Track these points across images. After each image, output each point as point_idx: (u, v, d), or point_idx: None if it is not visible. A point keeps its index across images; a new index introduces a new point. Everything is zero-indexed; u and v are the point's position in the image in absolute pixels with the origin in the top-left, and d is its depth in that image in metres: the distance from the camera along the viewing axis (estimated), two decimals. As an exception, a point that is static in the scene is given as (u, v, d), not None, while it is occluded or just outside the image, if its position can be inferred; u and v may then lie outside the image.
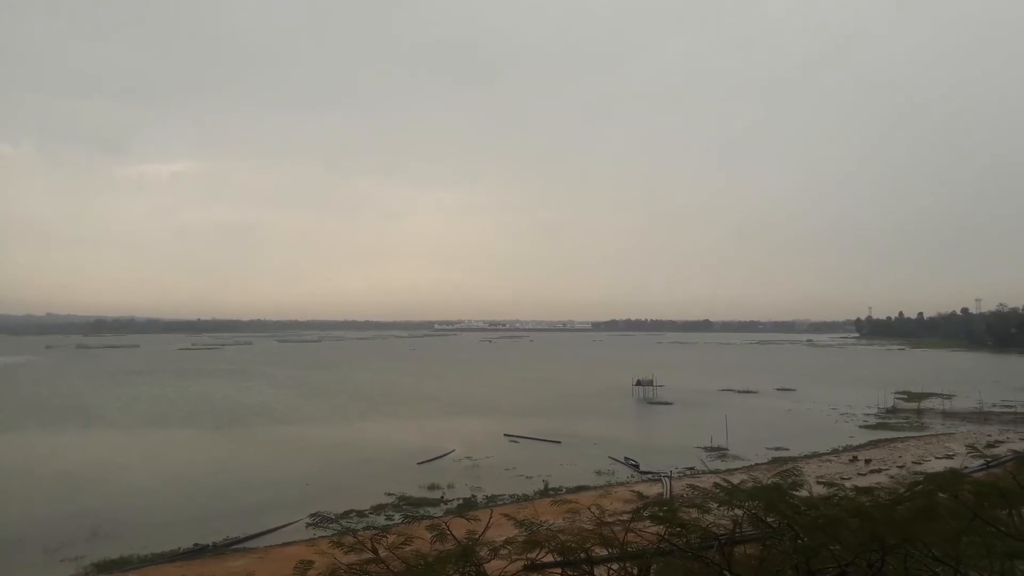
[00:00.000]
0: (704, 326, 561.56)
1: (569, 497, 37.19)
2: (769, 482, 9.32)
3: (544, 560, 9.92)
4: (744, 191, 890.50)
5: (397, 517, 38.09)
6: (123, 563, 30.38)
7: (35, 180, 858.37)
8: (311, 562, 9.53)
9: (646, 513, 9.34)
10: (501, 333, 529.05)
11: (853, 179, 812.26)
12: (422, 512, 38.48)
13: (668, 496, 32.24)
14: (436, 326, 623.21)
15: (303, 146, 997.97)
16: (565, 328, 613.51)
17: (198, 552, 32.07)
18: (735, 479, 10.48)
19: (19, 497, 43.05)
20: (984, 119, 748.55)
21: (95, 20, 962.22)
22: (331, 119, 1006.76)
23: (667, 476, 45.33)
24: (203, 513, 39.23)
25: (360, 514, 38.74)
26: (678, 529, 8.84)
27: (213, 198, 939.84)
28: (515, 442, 62.64)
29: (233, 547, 33.09)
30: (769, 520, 8.81)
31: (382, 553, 9.42)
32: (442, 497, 42.71)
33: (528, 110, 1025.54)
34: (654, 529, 9.44)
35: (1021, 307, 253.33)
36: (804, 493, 9.05)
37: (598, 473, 49.17)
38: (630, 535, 9.61)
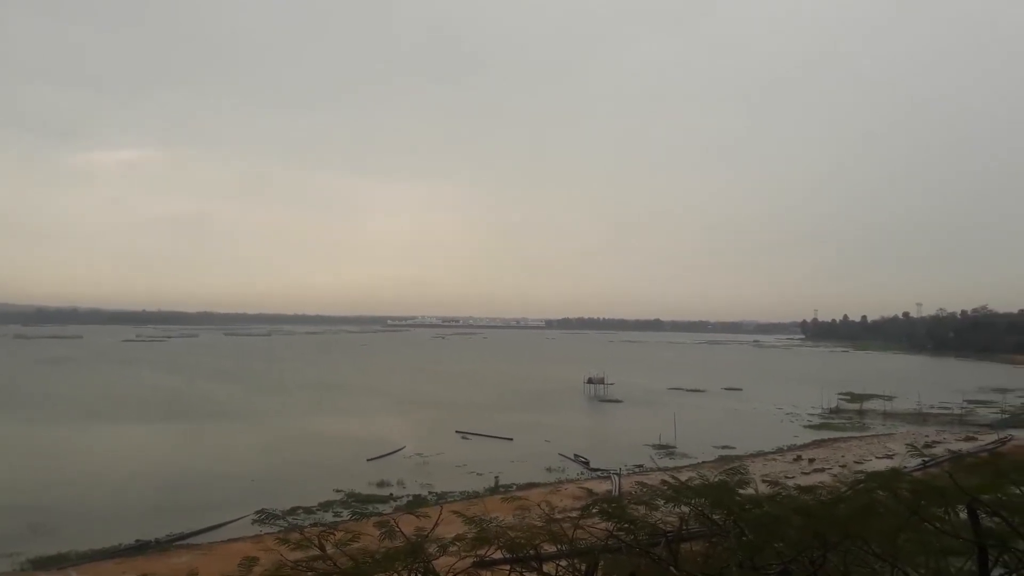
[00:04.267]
0: (655, 325, 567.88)
1: (519, 494, 37.32)
2: (716, 480, 9.46)
3: (493, 557, 9.92)
4: (700, 196, 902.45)
5: (345, 514, 37.78)
6: (61, 559, 29.58)
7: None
8: (256, 559, 9.35)
9: (595, 510, 9.39)
10: (454, 329, 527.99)
11: (808, 188, 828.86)
12: (371, 509, 38.24)
13: (617, 493, 32.56)
14: (389, 322, 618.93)
15: (265, 139, 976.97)
16: (519, 325, 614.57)
17: (140, 548, 31.39)
18: (682, 476, 10.62)
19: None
20: (942, 130, 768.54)
21: (56, 3, 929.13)
22: (297, 113, 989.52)
23: (616, 473, 45.86)
24: (145, 508, 38.39)
25: (308, 511, 38.30)
26: (626, 525, 8.91)
27: (164, 189, 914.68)
28: (466, 439, 62.62)
29: (177, 543, 32.48)
30: (715, 517, 8.94)
31: (329, 550, 9.30)
32: (391, 494, 42.48)
33: (497, 108, 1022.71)
34: (603, 526, 9.51)
35: (959, 312, 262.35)
36: (750, 491, 9.20)
37: (548, 470, 49.43)
38: (579, 532, 9.67)
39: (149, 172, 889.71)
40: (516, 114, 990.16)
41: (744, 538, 8.16)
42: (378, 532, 9.87)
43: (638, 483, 11.55)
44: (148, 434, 64.65)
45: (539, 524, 10.11)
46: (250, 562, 9.30)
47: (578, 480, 45.25)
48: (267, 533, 31.65)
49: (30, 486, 43.21)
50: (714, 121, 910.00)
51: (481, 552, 9.67)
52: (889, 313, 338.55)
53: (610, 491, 36.79)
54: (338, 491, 42.52)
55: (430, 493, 42.60)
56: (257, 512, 37.13)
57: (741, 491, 9.14)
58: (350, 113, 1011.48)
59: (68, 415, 73.68)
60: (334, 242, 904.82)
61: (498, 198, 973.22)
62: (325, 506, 39.59)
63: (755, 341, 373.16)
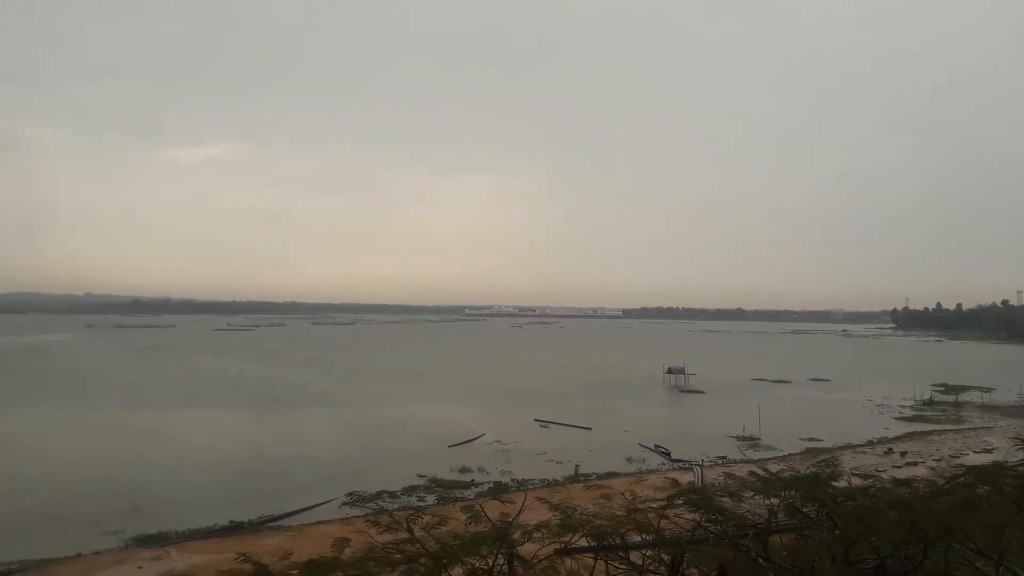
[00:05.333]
0: (737, 315, 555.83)
1: (601, 483, 37.26)
2: (807, 472, 9.25)
3: (578, 544, 9.96)
4: (782, 180, 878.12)
5: (429, 499, 38.46)
6: (161, 538, 31.05)
7: (73, 164, 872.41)
8: (348, 540, 9.71)
9: (681, 500, 9.32)
10: (531, 319, 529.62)
11: (896, 167, 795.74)
12: (454, 494, 38.80)
13: (700, 484, 32.13)
14: (467, 311, 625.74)
15: (338, 132, 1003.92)
16: (595, 315, 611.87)
17: (234, 529, 32.70)
18: (770, 469, 10.43)
19: (60, 473, 44.25)
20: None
21: (130, 5, 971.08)
22: (366, 106, 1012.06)
23: (698, 464, 45.25)
24: (238, 491, 39.96)
25: (392, 495, 39.15)
26: (715, 516, 8.81)
27: (248, 182, 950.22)
28: (545, 427, 62.80)
29: (268, 525, 33.71)
30: (806, 510, 8.75)
31: (417, 533, 9.55)
32: (473, 480, 43.01)
33: (564, 97, 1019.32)
34: (688, 516, 9.44)
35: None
36: (843, 483, 8.98)
37: (628, 460, 49.12)
38: (663, 522, 9.61)
39: (232, 167, 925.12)
40: (580, 104, 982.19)
41: (837, 532, 7.97)
42: (464, 516, 10.08)
43: (725, 474, 11.35)
44: (237, 420, 67.35)
45: (623, 513, 10.11)
46: (342, 543, 9.66)
47: (659, 471, 44.89)
48: (355, 516, 32.63)
49: (129, 468, 45.62)
50: (790, 107, 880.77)
51: (566, 539, 9.75)
52: (986, 301, 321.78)
53: (692, 482, 36.37)
54: (421, 476, 43.32)
55: (511, 480, 42.97)
56: (348, 495, 38.39)
57: (833, 483, 8.93)
58: (421, 107, 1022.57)
59: (161, 401, 77.36)
60: (413, 233, 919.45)
61: (572, 187, 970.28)
62: (409, 490, 40.39)
63: (843, 331, 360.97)
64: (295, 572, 8.97)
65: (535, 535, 9.69)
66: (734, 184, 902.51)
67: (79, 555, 28.39)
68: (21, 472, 44.10)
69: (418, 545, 9.22)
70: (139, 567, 25.82)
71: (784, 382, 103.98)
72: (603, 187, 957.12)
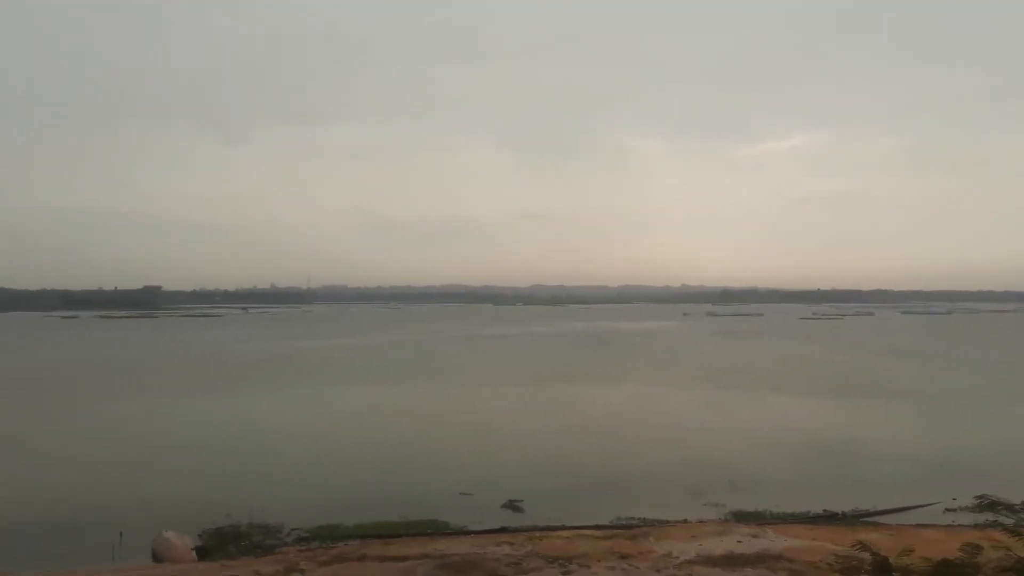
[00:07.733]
0: None
1: None
2: None
3: None
4: None
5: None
6: (757, 516, 32.17)
7: (666, 168, 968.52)
8: (979, 547, 8.66)
9: None
10: None
11: None
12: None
13: None
14: None
15: (924, 103, 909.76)
16: None
17: (827, 519, 32.16)
18: None
19: (672, 440, 49.57)
20: None
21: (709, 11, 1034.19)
22: (957, 68, 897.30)
23: None
24: (824, 480, 39.30)
25: (1010, 509, 33.73)
26: None
27: (828, 169, 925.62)
28: None
29: (863, 519, 32.35)
30: None
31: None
32: None
33: None
34: None
35: None
36: None
37: None
38: None
39: (811, 156, 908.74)
40: None
41: None
42: None
43: None
44: (819, 405, 67.21)
45: None
46: (972, 549, 8.64)
47: None
48: (961, 524, 29.23)
49: (722, 442, 49.14)
50: None
51: None
52: None
53: None
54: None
55: None
56: (977, 497, 34.32)
57: None
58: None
59: (745, 383, 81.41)
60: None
61: None
62: (1030, 507, 34.38)
63: None
64: (912, 565, 8.30)
65: None
66: None
67: (685, 520, 31.18)
68: (639, 436, 51.12)
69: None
70: (738, 541, 27.12)
71: None
72: None
